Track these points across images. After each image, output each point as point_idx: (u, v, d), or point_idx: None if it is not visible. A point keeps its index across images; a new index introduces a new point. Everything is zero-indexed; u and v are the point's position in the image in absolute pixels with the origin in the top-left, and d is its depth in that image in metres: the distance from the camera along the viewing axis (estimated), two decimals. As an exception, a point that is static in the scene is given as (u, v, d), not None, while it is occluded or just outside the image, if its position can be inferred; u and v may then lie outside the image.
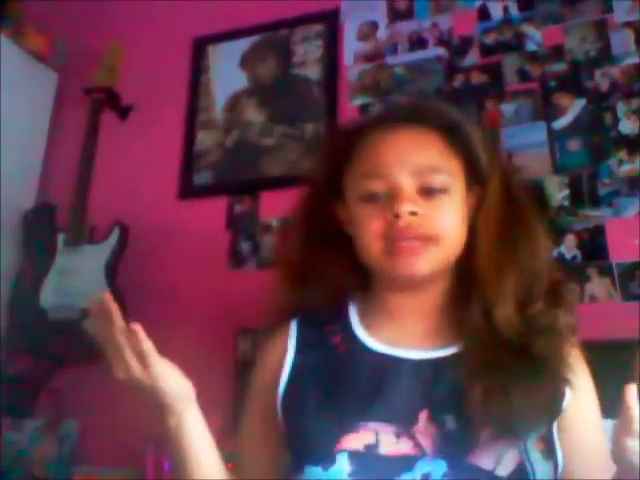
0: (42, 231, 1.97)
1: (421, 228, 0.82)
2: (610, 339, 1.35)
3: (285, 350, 0.91)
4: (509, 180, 0.91)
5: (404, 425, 0.78)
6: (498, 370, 0.77)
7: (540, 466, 0.76)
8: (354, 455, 0.76)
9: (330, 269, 0.92)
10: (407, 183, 0.84)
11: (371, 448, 0.76)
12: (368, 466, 0.75)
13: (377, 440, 0.77)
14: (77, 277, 1.85)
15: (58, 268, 1.88)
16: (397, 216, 0.82)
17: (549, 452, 0.78)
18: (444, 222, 0.84)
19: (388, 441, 0.77)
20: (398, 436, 0.77)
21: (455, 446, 0.75)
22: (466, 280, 0.86)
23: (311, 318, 0.93)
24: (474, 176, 0.89)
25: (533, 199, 0.92)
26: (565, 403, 0.80)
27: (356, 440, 0.77)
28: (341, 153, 0.92)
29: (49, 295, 1.85)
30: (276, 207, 1.91)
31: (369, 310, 0.92)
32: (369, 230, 0.85)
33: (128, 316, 1.98)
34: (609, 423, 1.11)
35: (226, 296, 1.83)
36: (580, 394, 0.83)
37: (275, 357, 0.92)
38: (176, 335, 1.84)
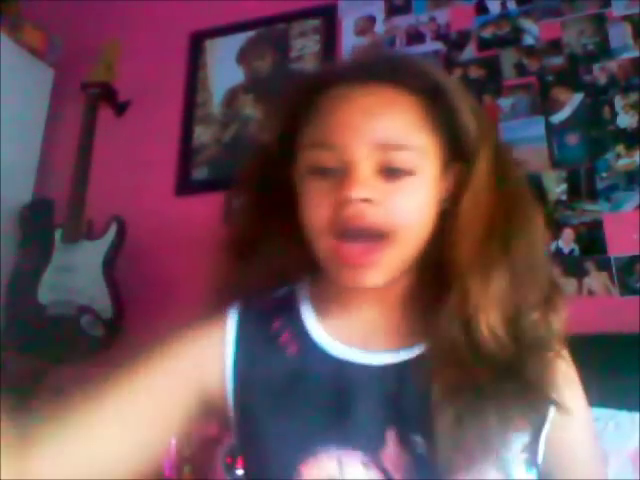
0: (39, 227, 1.97)
1: (374, 219, 0.65)
2: (608, 333, 1.36)
3: (222, 351, 0.73)
4: (503, 160, 0.72)
5: (371, 450, 0.66)
6: (473, 390, 0.64)
7: (524, 477, 0.67)
8: None
9: (275, 243, 0.75)
10: (364, 160, 0.66)
11: None
12: None
13: (341, 470, 0.65)
14: (75, 273, 1.85)
15: (56, 264, 1.88)
16: (347, 201, 0.65)
17: (532, 460, 0.69)
18: (405, 211, 0.67)
19: (354, 472, 0.65)
20: (365, 465, 0.65)
21: (429, 473, 0.64)
22: (440, 274, 0.69)
23: (254, 308, 0.77)
24: (456, 151, 0.71)
25: (529, 185, 0.76)
26: (547, 424, 0.70)
27: (317, 470, 0.65)
28: (296, 109, 0.74)
29: (47, 291, 1.85)
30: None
31: (322, 295, 0.76)
32: (316, 216, 0.68)
33: (126, 312, 1.98)
34: (605, 412, 1.11)
35: (224, 292, 1.82)
36: (567, 412, 0.71)
37: (208, 356, 0.73)
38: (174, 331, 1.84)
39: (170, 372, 0.70)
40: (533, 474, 0.69)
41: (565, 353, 0.73)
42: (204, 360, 0.72)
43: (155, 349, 0.72)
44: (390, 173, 0.66)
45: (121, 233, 1.91)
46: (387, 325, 0.73)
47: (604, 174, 1.61)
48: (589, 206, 1.60)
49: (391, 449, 0.65)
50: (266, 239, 0.76)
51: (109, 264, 1.87)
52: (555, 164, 1.67)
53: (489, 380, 0.64)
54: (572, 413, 0.69)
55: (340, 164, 0.67)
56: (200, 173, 2.05)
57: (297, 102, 0.75)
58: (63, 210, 1.93)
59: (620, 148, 1.62)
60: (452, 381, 0.65)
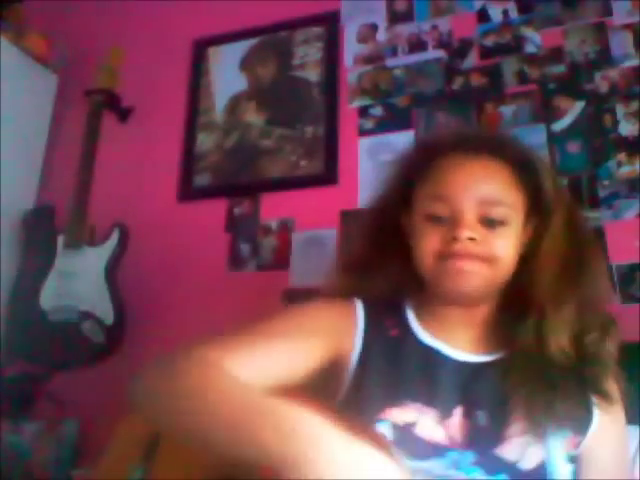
0: (42, 233, 1.98)
1: (476, 252, 0.88)
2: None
3: (354, 323, 0.95)
4: (574, 216, 0.97)
5: (441, 415, 0.86)
6: (541, 381, 0.86)
7: (563, 466, 0.84)
8: (395, 426, 0.85)
9: (389, 269, 0.99)
10: (470, 211, 0.89)
11: (410, 425, 0.85)
12: (405, 441, 0.83)
13: (417, 420, 0.85)
14: (77, 279, 1.85)
15: (58, 270, 1.88)
16: (456, 239, 0.87)
17: (573, 457, 0.87)
18: (498, 251, 0.89)
19: (426, 424, 0.85)
20: (435, 423, 0.86)
21: (484, 439, 0.85)
22: (518, 302, 0.92)
23: (372, 306, 0.98)
24: (536, 209, 0.94)
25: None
26: (592, 426, 0.89)
27: (399, 414, 0.85)
28: (415, 168, 0.98)
29: (49, 297, 1.85)
30: (275, 209, 1.91)
31: (422, 315, 0.98)
32: (427, 247, 0.90)
33: (127, 318, 1.99)
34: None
35: (226, 298, 1.83)
36: (609, 423, 0.91)
37: (345, 322, 0.95)
38: (175, 337, 1.84)
39: (315, 329, 0.92)
40: (573, 467, 0.87)
41: (618, 378, 0.93)
42: (341, 327, 0.94)
43: (300, 310, 0.96)
44: (488, 222, 0.89)
45: (123, 239, 1.92)
46: (471, 337, 0.95)
47: (605, 182, 1.61)
48: (590, 214, 1.60)
49: (456, 420, 0.87)
50: (380, 265, 0.99)
51: (111, 270, 1.87)
52: (557, 172, 1.67)
53: (554, 376, 0.86)
54: (612, 424, 0.91)
55: (451, 213, 0.90)
56: (202, 179, 2.06)
57: (416, 164, 0.98)
58: (66, 216, 1.94)
59: (621, 156, 1.62)
60: (525, 373, 0.87)
